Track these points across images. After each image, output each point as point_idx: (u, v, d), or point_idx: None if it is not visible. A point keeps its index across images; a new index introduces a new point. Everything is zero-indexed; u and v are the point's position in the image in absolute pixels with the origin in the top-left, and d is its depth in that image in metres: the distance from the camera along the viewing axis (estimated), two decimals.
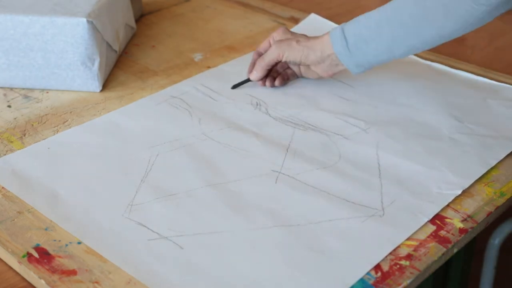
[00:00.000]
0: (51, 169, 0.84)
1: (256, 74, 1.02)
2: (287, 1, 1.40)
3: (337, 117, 0.96)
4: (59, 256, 0.71)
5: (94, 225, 0.75)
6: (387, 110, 0.97)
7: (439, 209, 0.77)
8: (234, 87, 1.03)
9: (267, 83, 1.03)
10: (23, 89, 1.04)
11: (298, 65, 1.02)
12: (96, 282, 0.68)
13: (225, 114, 0.96)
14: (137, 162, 0.86)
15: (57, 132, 0.93)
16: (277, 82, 1.03)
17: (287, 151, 0.88)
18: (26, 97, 1.02)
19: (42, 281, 0.68)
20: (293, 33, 1.01)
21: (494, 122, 0.94)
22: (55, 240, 0.73)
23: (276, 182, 0.82)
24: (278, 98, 1.01)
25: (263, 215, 0.76)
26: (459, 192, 0.80)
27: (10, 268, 0.72)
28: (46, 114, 0.97)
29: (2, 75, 1.03)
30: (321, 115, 0.96)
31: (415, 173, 0.83)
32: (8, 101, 1.01)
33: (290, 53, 0.98)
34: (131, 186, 0.81)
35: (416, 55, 1.14)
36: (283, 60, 0.99)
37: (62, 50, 1.00)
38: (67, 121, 0.96)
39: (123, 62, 1.13)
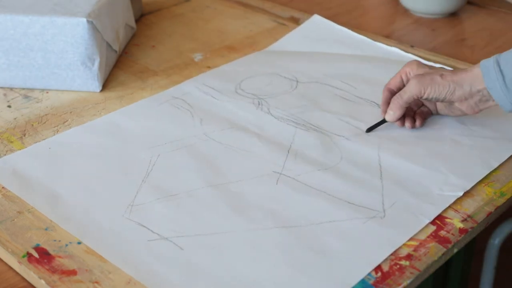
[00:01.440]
0: (52, 169, 0.84)
1: (393, 115, 0.90)
2: (287, 1, 1.40)
3: (339, 118, 0.95)
4: (59, 256, 0.71)
5: (94, 225, 0.75)
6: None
7: (440, 211, 0.77)
8: (369, 130, 0.92)
9: (407, 124, 0.91)
10: (23, 89, 1.04)
11: (437, 102, 0.91)
12: (96, 282, 0.68)
13: (226, 114, 0.96)
14: (138, 163, 0.86)
15: (57, 132, 0.93)
16: (417, 123, 0.92)
17: (289, 152, 0.88)
18: (26, 97, 1.02)
19: (42, 281, 0.68)
20: (430, 66, 0.91)
21: (496, 123, 0.94)
22: (55, 240, 0.73)
23: (277, 183, 0.82)
24: (280, 98, 1.01)
25: (263, 216, 0.76)
26: (461, 194, 0.80)
27: (10, 268, 0.73)
28: (46, 114, 0.97)
29: (2, 75, 1.03)
30: (323, 116, 0.96)
31: (417, 174, 0.83)
32: (8, 101, 1.01)
33: (434, 89, 0.86)
34: (132, 187, 0.81)
35: (418, 55, 1.14)
36: (424, 97, 0.87)
37: (62, 50, 1.00)
38: (67, 121, 0.96)
39: (123, 62, 1.13)
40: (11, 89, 1.04)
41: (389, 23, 1.32)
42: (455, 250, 0.74)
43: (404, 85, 0.91)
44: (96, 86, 1.03)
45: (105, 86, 1.05)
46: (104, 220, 0.76)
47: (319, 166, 0.85)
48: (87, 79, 1.02)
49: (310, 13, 1.30)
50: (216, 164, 0.85)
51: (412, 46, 1.17)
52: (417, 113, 0.94)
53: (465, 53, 1.19)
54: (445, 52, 1.17)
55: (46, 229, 0.75)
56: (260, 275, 0.68)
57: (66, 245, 0.73)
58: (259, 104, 0.99)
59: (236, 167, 0.85)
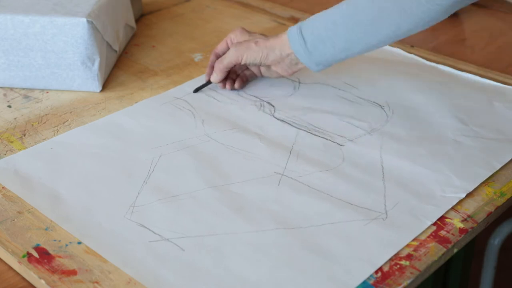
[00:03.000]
0: (53, 170, 0.84)
1: (216, 77, 1.01)
2: (287, 1, 1.40)
3: (341, 119, 0.95)
4: (59, 256, 0.71)
5: (96, 226, 0.75)
6: (391, 112, 0.97)
7: (443, 213, 0.77)
8: (196, 90, 1.02)
9: (227, 85, 1.03)
10: (23, 89, 1.04)
11: (258, 66, 1.02)
12: (96, 282, 0.68)
13: (228, 116, 0.96)
14: (140, 163, 0.85)
15: (57, 132, 0.93)
16: (236, 85, 1.03)
17: (290, 153, 0.88)
18: (26, 97, 1.02)
19: (42, 281, 0.68)
20: (251, 34, 1.01)
21: (499, 124, 0.94)
22: (55, 240, 0.73)
23: (279, 184, 0.82)
24: (283, 100, 1.00)
25: (265, 217, 0.76)
26: (463, 195, 0.79)
27: (10, 268, 0.72)
28: (46, 114, 0.97)
29: (2, 75, 1.03)
30: (325, 117, 0.96)
31: (419, 176, 0.83)
32: (8, 101, 1.01)
33: (249, 55, 0.97)
34: (133, 187, 0.81)
35: (418, 54, 1.14)
36: (242, 62, 0.98)
37: (62, 50, 1.00)
38: (67, 121, 0.96)
39: (123, 62, 1.13)
40: (11, 89, 1.04)
41: None
42: (455, 250, 0.74)
43: (228, 50, 1.01)
44: (96, 86, 1.03)
45: (105, 86, 1.05)
46: (105, 221, 0.76)
47: (321, 167, 0.85)
48: (87, 79, 1.02)
49: (310, 13, 1.30)
50: (218, 165, 0.85)
51: (412, 46, 1.17)
52: (240, 76, 1.04)
53: (465, 53, 1.19)
54: (445, 52, 1.17)
55: (46, 229, 0.75)
56: (261, 277, 0.68)
57: (66, 245, 0.73)
58: (261, 106, 0.99)
59: (237, 168, 0.84)
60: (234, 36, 1.02)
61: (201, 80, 1.06)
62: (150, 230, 0.74)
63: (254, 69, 1.04)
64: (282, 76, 1.01)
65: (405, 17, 0.87)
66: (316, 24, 0.92)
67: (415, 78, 1.06)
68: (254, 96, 1.01)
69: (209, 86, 1.04)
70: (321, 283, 0.68)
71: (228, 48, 1.01)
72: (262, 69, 1.03)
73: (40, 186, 0.81)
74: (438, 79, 1.06)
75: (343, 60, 0.94)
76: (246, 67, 1.04)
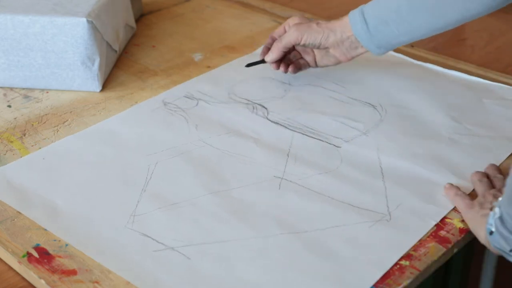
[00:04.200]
0: (48, 180, 0.82)
1: (272, 56, 0.99)
2: (287, 1, 1.40)
3: (335, 119, 0.95)
4: (59, 256, 0.71)
5: (97, 237, 0.74)
6: (384, 112, 0.97)
7: (446, 212, 0.77)
8: (249, 65, 1.01)
9: (282, 68, 1.00)
10: (23, 89, 1.04)
11: (315, 49, 0.99)
12: (96, 282, 0.68)
13: (221, 120, 0.95)
14: (136, 171, 0.84)
15: (57, 132, 0.93)
16: (290, 69, 1.00)
17: (288, 156, 0.87)
18: (26, 97, 1.02)
19: (42, 281, 0.68)
20: (310, 20, 0.99)
21: (490, 121, 0.94)
22: (55, 240, 0.73)
23: (279, 188, 0.81)
24: (274, 102, 1.00)
25: (268, 223, 0.75)
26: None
27: (10, 268, 0.72)
28: (46, 114, 0.97)
29: (2, 75, 1.03)
30: (319, 118, 0.95)
31: (418, 175, 0.83)
32: (8, 101, 1.01)
33: (310, 35, 0.95)
34: (132, 196, 0.80)
35: (418, 54, 1.14)
36: (302, 43, 0.96)
37: (62, 50, 1.00)
38: (67, 121, 0.96)
39: (123, 62, 1.13)
40: (11, 89, 1.04)
41: None
42: (455, 250, 0.74)
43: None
44: (96, 86, 1.03)
45: (105, 86, 1.05)
46: (107, 231, 0.74)
47: (320, 169, 0.84)
48: (87, 79, 1.02)
49: (310, 13, 1.30)
50: (216, 171, 0.84)
51: (412, 46, 1.17)
52: (294, 62, 1.02)
53: (465, 53, 1.19)
54: (445, 52, 1.17)
55: (46, 229, 0.75)
56: (268, 283, 0.67)
57: (66, 245, 0.73)
58: (253, 108, 0.98)
59: (236, 173, 0.84)
60: (292, 21, 1.00)
61: (192, 83, 1.05)
62: (153, 239, 0.73)
63: (309, 58, 1.01)
64: (339, 62, 0.99)
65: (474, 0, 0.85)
66: (380, 7, 0.91)
67: (404, 77, 1.06)
68: (245, 99, 1.00)
69: (199, 89, 1.02)
70: (331, 287, 0.67)
71: (286, 32, 0.99)
72: (318, 56, 1.00)
73: (36, 198, 0.79)
74: (427, 77, 1.06)
75: (405, 44, 0.93)
76: (300, 55, 1.02)
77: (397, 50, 1.14)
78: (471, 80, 1.05)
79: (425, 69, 1.09)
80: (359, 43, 0.94)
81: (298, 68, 1.02)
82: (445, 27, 0.90)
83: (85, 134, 0.92)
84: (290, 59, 1.02)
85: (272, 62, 1.00)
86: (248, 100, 1.00)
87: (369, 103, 0.99)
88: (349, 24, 0.93)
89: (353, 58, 0.97)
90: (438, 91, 1.02)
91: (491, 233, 0.67)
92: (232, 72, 1.08)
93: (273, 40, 1.01)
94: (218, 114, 0.97)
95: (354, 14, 0.93)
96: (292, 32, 0.96)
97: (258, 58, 1.03)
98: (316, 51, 1.00)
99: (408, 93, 1.01)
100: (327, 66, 1.01)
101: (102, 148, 0.89)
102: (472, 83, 1.04)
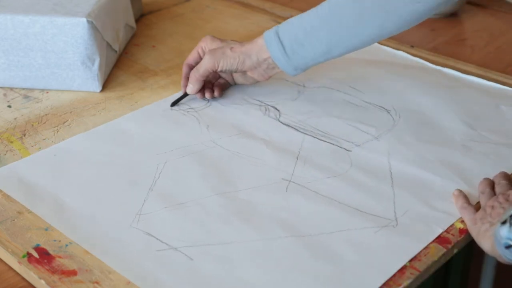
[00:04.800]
0: (58, 178, 0.83)
1: (193, 88, 0.97)
2: (287, 1, 1.40)
3: (348, 123, 0.94)
4: (59, 256, 0.71)
5: (102, 235, 0.74)
6: (398, 117, 0.95)
7: (454, 220, 0.76)
8: (173, 104, 0.99)
9: (207, 94, 0.99)
10: (23, 89, 1.04)
11: (232, 73, 0.99)
12: (96, 282, 0.68)
13: (233, 121, 0.95)
14: (145, 170, 0.84)
15: (57, 132, 0.93)
16: (216, 93, 1.00)
17: (297, 158, 0.86)
18: (26, 97, 1.02)
19: (42, 281, 0.68)
20: (222, 40, 0.98)
21: (508, 129, 0.92)
22: (55, 240, 0.73)
23: (286, 191, 0.81)
24: (287, 104, 0.99)
25: (274, 225, 0.75)
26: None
27: (10, 268, 0.72)
28: (46, 114, 0.97)
29: (2, 75, 1.03)
30: (331, 121, 0.94)
31: (428, 182, 0.82)
32: (8, 101, 1.01)
33: (225, 62, 0.95)
34: (139, 195, 0.80)
35: (418, 55, 1.14)
36: (219, 69, 0.96)
37: (62, 50, 1.00)
38: (67, 121, 0.96)
39: (123, 62, 1.13)
40: (11, 89, 1.04)
41: None
42: (455, 251, 0.74)
43: (201, 60, 0.98)
44: (96, 86, 1.03)
45: (105, 86, 1.05)
46: (112, 230, 0.74)
47: (329, 173, 0.84)
48: (87, 79, 1.02)
49: None
50: (224, 172, 0.84)
51: (412, 46, 1.17)
52: (216, 85, 1.01)
53: (465, 53, 1.19)
54: (445, 52, 1.17)
55: (46, 229, 0.75)
56: (269, 285, 0.67)
57: (66, 245, 0.73)
58: (266, 110, 0.98)
59: (244, 175, 0.83)
60: (205, 45, 0.99)
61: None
62: (157, 239, 0.73)
63: (227, 77, 1.02)
64: (257, 82, 0.99)
65: (389, 17, 0.85)
66: (295, 28, 0.90)
67: (421, 82, 1.04)
68: (259, 101, 1.00)
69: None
70: None
71: (200, 58, 0.99)
72: (236, 76, 1.01)
73: (44, 194, 0.80)
74: (444, 82, 1.05)
75: (321, 63, 0.93)
76: (219, 76, 1.02)
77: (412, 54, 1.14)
78: (489, 85, 1.03)
79: (441, 73, 1.08)
80: (276, 64, 0.93)
81: (222, 89, 1.02)
82: (362, 44, 0.90)
83: (96, 132, 0.93)
84: (211, 81, 1.01)
85: (195, 93, 0.99)
86: (261, 102, 1.00)
87: (383, 107, 0.98)
88: (265, 47, 0.92)
89: (270, 77, 0.97)
90: (454, 97, 1.00)
91: (508, 247, 0.66)
92: None
93: (189, 68, 0.99)
94: (230, 115, 0.97)
95: (270, 36, 0.92)
96: (207, 61, 0.95)
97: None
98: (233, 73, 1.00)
99: (424, 98, 0.99)
100: (245, 84, 1.02)
101: (113, 146, 0.89)
102: (490, 89, 1.02)
